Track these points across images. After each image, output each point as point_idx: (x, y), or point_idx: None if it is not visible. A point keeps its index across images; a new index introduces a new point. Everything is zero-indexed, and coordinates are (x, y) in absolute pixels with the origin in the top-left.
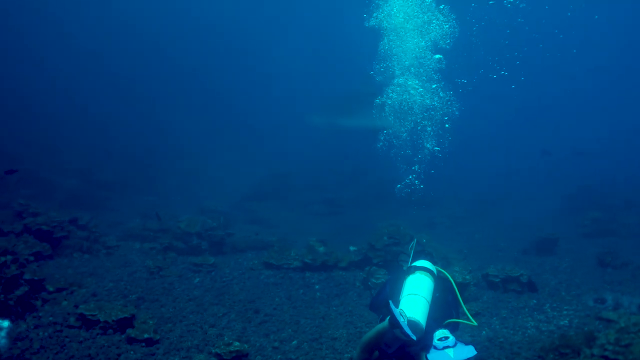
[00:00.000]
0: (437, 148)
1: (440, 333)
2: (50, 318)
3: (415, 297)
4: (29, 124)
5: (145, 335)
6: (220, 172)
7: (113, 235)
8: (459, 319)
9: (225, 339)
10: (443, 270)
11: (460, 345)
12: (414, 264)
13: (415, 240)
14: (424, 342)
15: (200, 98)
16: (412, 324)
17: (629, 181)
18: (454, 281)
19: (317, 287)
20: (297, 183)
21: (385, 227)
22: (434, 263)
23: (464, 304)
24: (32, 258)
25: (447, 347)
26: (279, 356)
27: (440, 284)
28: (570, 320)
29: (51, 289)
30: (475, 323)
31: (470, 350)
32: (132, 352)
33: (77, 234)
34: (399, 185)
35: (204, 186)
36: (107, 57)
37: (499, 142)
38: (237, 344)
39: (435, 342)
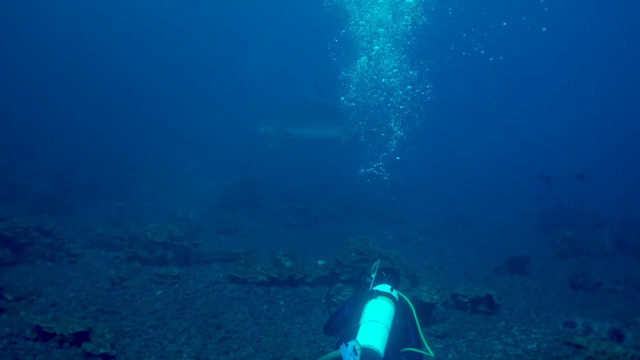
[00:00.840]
0: (397, 158)
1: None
2: (6, 329)
3: (375, 325)
4: None
5: (101, 350)
6: (192, 178)
7: (79, 242)
8: (417, 347)
9: (184, 355)
10: (404, 296)
11: None
12: (376, 287)
13: (379, 261)
14: None
15: (170, 103)
16: (371, 353)
17: (598, 197)
18: (414, 308)
19: (281, 302)
20: (269, 192)
21: (354, 242)
22: (396, 285)
23: (432, 324)
24: None
25: None
26: None
27: (401, 309)
28: (538, 345)
29: (10, 298)
30: (432, 354)
31: None
32: None
33: (41, 241)
34: (362, 170)
35: (175, 193)
36: (81, 60)
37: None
38: None
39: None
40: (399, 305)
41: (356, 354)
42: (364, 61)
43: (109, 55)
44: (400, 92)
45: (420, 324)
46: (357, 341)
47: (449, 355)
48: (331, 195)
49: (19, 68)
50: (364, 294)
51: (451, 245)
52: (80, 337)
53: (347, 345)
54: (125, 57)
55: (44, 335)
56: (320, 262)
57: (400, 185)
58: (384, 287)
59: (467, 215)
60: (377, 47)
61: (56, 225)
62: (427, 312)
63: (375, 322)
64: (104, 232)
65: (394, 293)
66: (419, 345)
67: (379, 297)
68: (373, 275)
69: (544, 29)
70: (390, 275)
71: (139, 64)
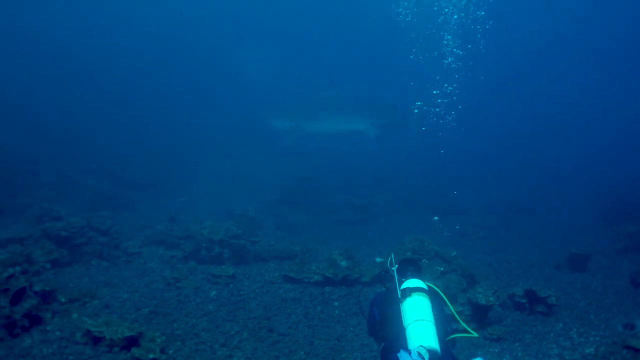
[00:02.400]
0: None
1: None
2: (58, 333)
3: (422, 324)
4: (55, 121)
5: (151, 356)
6: (250, 173)
7: (137, 240)
8: (456, 333)
9: None
10: (433, 285)
11: None
12: (406, 284)
13: (392, 255)
14: None
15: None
16: (433, 354)
17: None
18: (443, 294)
19: (336, 303)
20: (326, 187)
21: (410, 241)
22: (420, 274)
23: (488, 327)
24: (48, 265)
25: None
26: None
27: (434, 299)
28: (596, 348)
29: (63, 300)
30: (475, 335)
31: None
32: None
33: (97, 240)
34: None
35: (235, 188)
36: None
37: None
38: None
39: None
40: (431, 295)
41: (423, 358)
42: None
43: (163, 51)
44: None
45: (474, 327)
46: (421, 345)
47: (504, 359)
48: (390, 189)
49: (75, 63)
50: (392, 292)
51: (512, 240)
52: (131, 342)
53: (410, 352)
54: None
55: (94, 340)
56: (378, 260)
57: (457, 177)
58: (414, 282)
59: (527, 206)
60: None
61: (113, 224)
62: (483, 314)
63: (421, 320)
64: (162, 229)
65: (424, 285)
66: (459, 329)
67: (413, 294)
68: (394, 269)
69: None
70: (412, 267)
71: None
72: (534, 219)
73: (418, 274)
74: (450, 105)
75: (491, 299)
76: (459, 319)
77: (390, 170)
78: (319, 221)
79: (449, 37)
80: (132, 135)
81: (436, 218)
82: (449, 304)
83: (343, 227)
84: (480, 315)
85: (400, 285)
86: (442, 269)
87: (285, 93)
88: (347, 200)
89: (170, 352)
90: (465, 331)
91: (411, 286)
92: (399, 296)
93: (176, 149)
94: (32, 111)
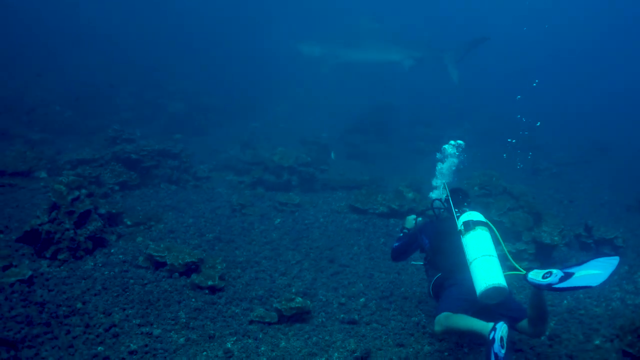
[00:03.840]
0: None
1: (535, 274)
2: (121, 256)
3: (491, 259)
4: (136, 45)
5: (209, 283)
6: (327, 100)
7: (208, 165)
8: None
9: (293, 290)
10: (485, 219)
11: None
12: (467, 217)
13: (445, 182)
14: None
15: None
16: (502, 291)
17: None
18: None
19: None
20: (401, 116)
21: (478, 176)
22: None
23: (552, 267)
24: (117, 187)
25: (570, 272)
26: (342, 315)
27: (493, 235)
28: None
29: (129, 223)
30: (523, 272)
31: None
32: (193, 300)
33: (167, 163)
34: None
35: (310, 115)
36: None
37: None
38: (299, 299)
39: (540, 280)
40: (491, 230)
41: (502, 346)
42: None
43: None
44: None
45: (537, 266)
46: (503, 323)
47: (565, 302)
48: (466, 120)
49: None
50: (446, 222)
51: (586, 177)
52: (191, 268)
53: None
54: None
55: (156, 264)
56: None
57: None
58: (475, 215)
59: (608, 143)
60: None
61: (185, 148)
62: (547, 253)
63: (489, 256)
64: (234, 155)
65: (484, 218)
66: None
67: (477, 227)
68: (450, 200)
69: None
70: (467, 200)
71: None
72: (612, 158)
73: (473, 206)
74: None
75: (556, 238)
76: (509, 256)
77: (475, 102)
78: (392, 151)
79: None
80: (211, 62)
81: (505, 155)
82: (500, 241)
83: (415, 158)
84: (544, 254)
85: (458, 218)
86: (509, 205)
87: (315, 16)
88: (422, 131)
89: (230, 279)
90: (515, 269)
91: (474, 219)
92: (461, 228)
93: (254, 76)
94: (114, 40)
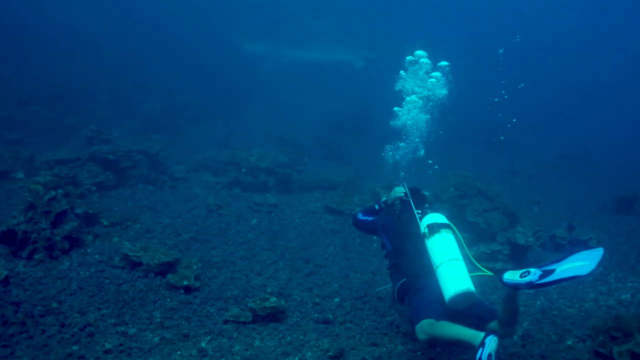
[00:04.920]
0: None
1: (511, 274)
2: (97, 256)
3: (457, 263)
4: (113, 43)
5: (185, 283)
6: (304, 99)
7: (185, 165)
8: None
9: (268, 290)
10: (450, 223)
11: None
12: (431, 219)
13: (404, 183)
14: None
15: None
16: (471, 295)
17: None
18: (459, 233)
19: (375, 237)
20: (379, 117)
21: (453, 177)
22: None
23: (525, 268)
24: (94, 188)
25: (549, 270)
26: (316, 315)
27: (457, 237)
28: (633, 295)
29: (106, 223)
30: (490, 274)
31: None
32: (168, 300)
33: (144, 164)
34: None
35: (288, 114)
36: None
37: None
38: (274, 299)
39: (518, 279)
40: (454, 232)
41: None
42: None
43: None
44: None
45: (511, 267)
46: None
47: (538, 302)
48: (444, 122)
49: None
50: (408, 224)
51: (562, 178)
52: (167, 268)
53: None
54: None
55: (132, 264)
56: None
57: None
58: (438, 217)
59: (585, 145)
60: None
61: (162, 149)
62: (521, 254)
63: (455, 260)
64: (211, 155)
65: (447, 220)
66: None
67: (442, 230)
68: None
69: None
70: (427, 201)
71: None
72: (590, 160)
73: (436, 207)
74: None
75: (530, 239)
76: (472, 258)
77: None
78: (369, 151)
79: None
80: (189, 61)
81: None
82: (462, 242)
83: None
84: (518, 255)
85: (420, 219)
86: (484, 206)
87: (259, 12)
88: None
89: (205, 279)
90: (486, 270)
91: (438, 222)
92: (425, 231)
93: (231, 75)
94: (91, 38)
